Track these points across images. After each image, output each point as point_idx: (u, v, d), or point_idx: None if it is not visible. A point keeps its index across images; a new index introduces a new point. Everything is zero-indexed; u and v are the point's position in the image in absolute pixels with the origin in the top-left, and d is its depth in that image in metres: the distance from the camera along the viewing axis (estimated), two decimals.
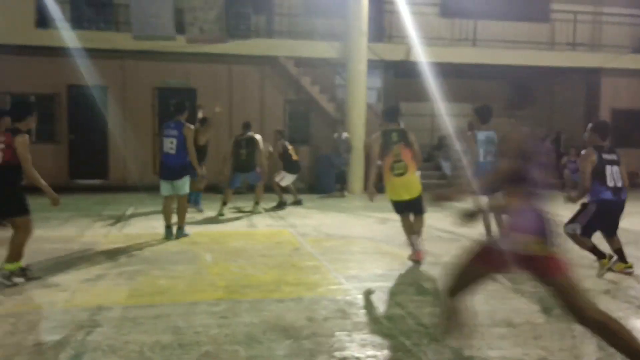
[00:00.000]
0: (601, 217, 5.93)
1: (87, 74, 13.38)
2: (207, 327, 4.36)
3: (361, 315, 4.73)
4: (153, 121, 15.06)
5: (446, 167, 15.59)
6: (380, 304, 5.10)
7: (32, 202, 5.68)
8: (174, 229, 7.92)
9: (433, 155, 16.18)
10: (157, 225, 8.73)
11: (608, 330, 3.15)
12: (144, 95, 14.91)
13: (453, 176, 15.29)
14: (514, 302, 5.11)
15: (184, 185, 7.89)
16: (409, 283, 5.80)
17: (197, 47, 13.93)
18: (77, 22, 14.21)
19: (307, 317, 4.63)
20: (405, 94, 16.09)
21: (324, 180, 14.24)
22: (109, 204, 11.49)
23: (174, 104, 7.98)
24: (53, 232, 8.08)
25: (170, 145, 7.78)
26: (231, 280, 5.78)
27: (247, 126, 10.89)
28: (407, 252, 6.73)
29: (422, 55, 14.39)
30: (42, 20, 13.28)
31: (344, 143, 13.72)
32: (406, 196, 6.44)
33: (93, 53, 13.36)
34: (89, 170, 14.63)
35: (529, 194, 3.26)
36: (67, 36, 12.92)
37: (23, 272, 5.57)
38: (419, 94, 14.66)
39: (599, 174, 5.87)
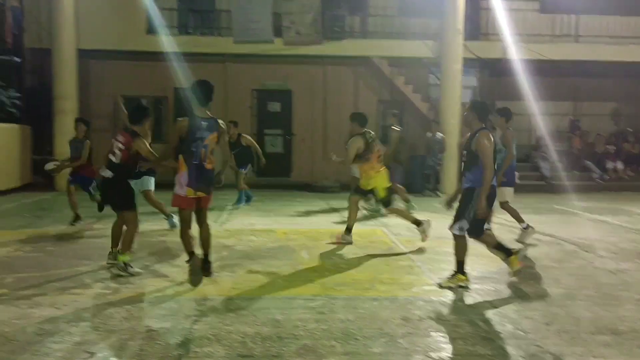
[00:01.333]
0: None
1: (192, 77, 14.13)
2: (304, 321, 4.53)
3: (456, 317, 4.72)
4: (251, 122, 15.65)
5: (545, 168, 14.96)
6: (477, 307, 5.05)
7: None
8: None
9: (531, 156, 15.57)
10: (254, 221, 9.12)
11: None
12: (243, 97, 15.52)
13: (552, 177, 14.66)
14: (619, 309, 4.89)
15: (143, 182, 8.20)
16: (507, 286, 5.69)
17: (293, 49, 14.32)
18: (183, 28, 15.11)
19: (402, 316, 4.68)
20: (502, 92, 15.61)
21: (416, 180, 14.13)
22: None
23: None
24: (160, 225, 8.64)
25: None
26: (326, 277, 5.94)
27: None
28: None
29: (520, 53, 13.95)
30: (152, 27, 14.20)
31: (438, 143, 13.56)
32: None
33: (197, 57, 14.13)
34: None
35: None
36: (174, 41, 13.78)
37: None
38: (516, 93, 14.20)
39: None
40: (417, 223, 7.60)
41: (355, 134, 7.48)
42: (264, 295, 5.28)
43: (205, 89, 5.52)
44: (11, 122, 13.15)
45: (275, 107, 15.90)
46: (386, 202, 7.68)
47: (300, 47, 14.28)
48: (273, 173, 15.64)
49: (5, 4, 10.38)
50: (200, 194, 5.50)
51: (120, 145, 5.90)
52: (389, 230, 8.83)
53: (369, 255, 7.02)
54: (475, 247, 7.48)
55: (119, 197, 5.98)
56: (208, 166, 5.52)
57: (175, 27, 14.99)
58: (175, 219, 8.23)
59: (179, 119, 5.57)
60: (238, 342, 4.09)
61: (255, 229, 8.59)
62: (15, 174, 12.90)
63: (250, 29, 13.97)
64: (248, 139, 11.07)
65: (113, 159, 5.91)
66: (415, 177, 14.04)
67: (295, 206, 11.46)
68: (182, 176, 5.42)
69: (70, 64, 13.56)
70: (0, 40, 11.57)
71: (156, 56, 14.00)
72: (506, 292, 5.50)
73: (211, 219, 9.60)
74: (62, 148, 12.39)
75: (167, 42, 13.73)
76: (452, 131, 14.07)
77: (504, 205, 7.87)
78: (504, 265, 6.44)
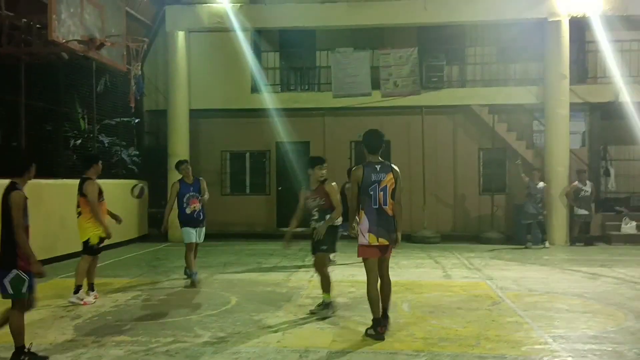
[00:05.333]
0: None
1: (293, 131, 14.75)
2: None
3: None
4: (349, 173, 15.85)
5: None
6: None
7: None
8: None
9: None
10: (356, 272, 9.12)
11: None
12: (342, 149, 15.83)
13: None
14: None
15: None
16: (628, 347, 5.23)
17: (391, 100, 14.50)
18: (285, 85, 15.88)
19: None
20: (615, 137, 14.76)
21: (519, 231, 13.50)
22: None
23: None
24: (264, 276, 8.88)
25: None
26: (429, 331, 5.79)
27: None
28: (623, 311, 6.08)
29: (632, 95, 13.19)
30: (256, 86, 15.04)
31: (540, 192, 12.91)
32: None
33: (298, 112, 14.74)
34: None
35: None
36: (277, 98, 14.51)
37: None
38: (630, 137, 13.37)
39: None
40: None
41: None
42: (366, 348, 5.23)
43: (376, 137, 5.72)
44: (131, 178, 14.28)
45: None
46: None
47: (398, 99, 14.44)
48: None
49: (130, 73, 11.52)
50: (382, 241, 5.45)
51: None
52: (493, 283, 8.48)
53: (473, 309, 6.76)
54: (588, 304, 7.01)
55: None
56: (389, 211, 5.52)
57: (278, 84, 15.76)
58: (198, 276, 8.39)
59: (354, 167, 5.75)
60: None
61: (355, 280, 8.58)
62: (133, 226, 13.87)
63: (348, 83, 14.38)
64: None
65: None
66: (519, 227, 13.43)
67: (395, 257, 11.27)
68: (363, 223, 5.47)
69: (182, 124, 14.63)
70: (125, 106, 12.84)
71: (260, 113, 14.77)
72: (628, 354, 5.06)
73: (312, 269, 9.78)
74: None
75: (270, 99, 14.50)
76: (559, 179, 13.43)
77: None
78: (626, 323, 5.97)
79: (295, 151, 15.02)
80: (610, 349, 5.21)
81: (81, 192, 7.12)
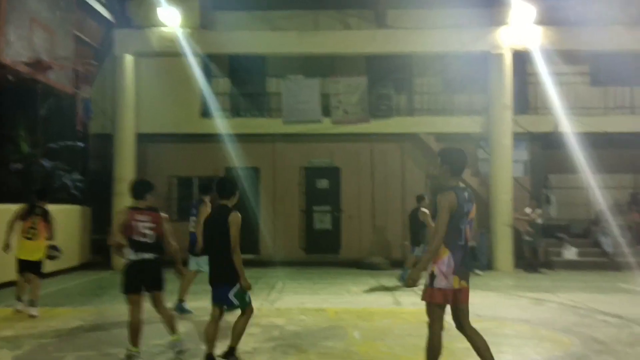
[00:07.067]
0: None
1: (242, 156, 14.63)
2: None
3: None
4: (300, 199, 15.84)
5: (606, 243, 14.32)
6: None
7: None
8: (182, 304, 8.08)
9: (591, 231, 14.99)
10: (305, 300, 9.01)
11: None
12: (292, 175, 15.82)
13: (614, 253, 14.00)
14: None
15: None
16: None
17: (340, 128, 14.64)
18: (235, 111, 15.79)
19: None
20: (555, 165, 15.35)
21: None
22: (260, 278, 12.07)
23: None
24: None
25: (192, 223, 8.32)
26: (381, 359, 5.73)
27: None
28: (569, 337, 6.22)
29: (572, 126, 13.80)
30: (206, 111, 14.89)
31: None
32: None
33: (248, 138, 14.64)
34: (242, 245, 15.58)
35: None
36: (227, 124, 14.38)
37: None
38: (571, 166, 13.92)
39: None
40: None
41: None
42: None
43: (462, 155, 4.70)
44: (74, 204, 13.75)
45: (323, 184, 16.09)
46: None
47: (348, 126, 14.60)
48: (322, 250, 15.61)
49: (78, 96, 11.23)
50: (463, 284, 4.49)
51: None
52: None
53: (424, 336, 6.74)
54: (535, 330, 7.14)
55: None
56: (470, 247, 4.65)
57: (228, 110, 15.65)
58: (187, 305, 8.13)
59: (446, 192, 4.48)
60: None
61: (305, 308, 8.46)
62: (75, 253, 13.32)
63: (299, 109, 14.47)
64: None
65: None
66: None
67: (345, 284, 11.29)
68: (443, 263, 4.41)
69: (129, 148, 14.28)
70: (72, 129, 12.46)
71: (209, 138, 14.59)
72: None
73: (260, 296, 9.63)
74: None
75: (220, 124, 14.35)
76: (503, 207, 13.81)
77: None
78: (571, 349, 6.11)
79: (246, 177, 14.89)
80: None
81: (45, 218, 8.09)
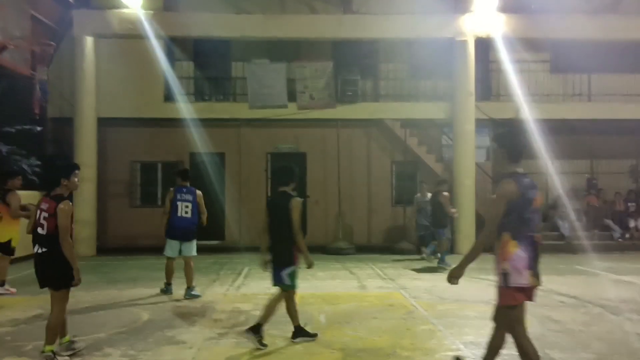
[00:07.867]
0: None
1: (207, 142, 14.45)
2: None
3: None
4: (265, 184, 15.78)
5: (564, 227, 14.76)
6: None
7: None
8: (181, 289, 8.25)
9: (549, 215, 15.40)
10: (271, 285, 8.98)
11: None
12: (258, 160, 15.73)
13: (571, 236, 14.44)
14: None
15: (193, 246, 8.43)
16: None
17: (307, 113, 14.60)
18: (200, 95, 15.56)
19: None
20: None
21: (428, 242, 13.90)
22: (226, 264, 12.03)
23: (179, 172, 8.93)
24: (176, 290, 8.57)
25: (185, 209, 8.36)
26: (346, 343, 5.80)
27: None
28: (527, 317, 6.39)
29: (532, 113, 14.08)
30: (169, 95, 14.61)
31: (428, 204, 13.13)
32: None
33: (212, 122, 14.46)
34: (207, 231, 15.45)
35: None
36: (191, 108, 14.15)
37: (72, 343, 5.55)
38: (530, 152, 14.20)
39: None
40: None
41: None
42: None
43: (522, 139, 4.32)
44: (32, 190, 13.35)
45: None
46: None
47: (314, 111, 14.57)
48: None
49: (35, 78, 10.84)
50: (535, 281, 3.98)
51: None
52: (407, 292, 8.68)
53: (388, 319, 6.86)
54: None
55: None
56: (541, 241, 4.05)
57: (192, 94, 15.41)
58: (197, 290, 8.24)
59: (504, 180, 4.04)
60: None
61: (271, 293, 8.43)
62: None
63: (264, 94, 14.34)
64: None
65: None
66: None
67: (311, 270, 11.31)
68: (515, 259, 3.92)
69: (90, 132, 13.91)
70: (28, 112, 12.02)
71: (173, 122, 14.35)
72: None
73: (226, 282, 9.59)
74: (81, 214, 12.54)
75: (183, 108, 14.11)
76: (466, 192, 14.05)
77: None
78: (530, 329, 6.28)
79: (210, 162, 14.73)
80: (516, 353, 5.44)
81: (3, 201, 8.44)
